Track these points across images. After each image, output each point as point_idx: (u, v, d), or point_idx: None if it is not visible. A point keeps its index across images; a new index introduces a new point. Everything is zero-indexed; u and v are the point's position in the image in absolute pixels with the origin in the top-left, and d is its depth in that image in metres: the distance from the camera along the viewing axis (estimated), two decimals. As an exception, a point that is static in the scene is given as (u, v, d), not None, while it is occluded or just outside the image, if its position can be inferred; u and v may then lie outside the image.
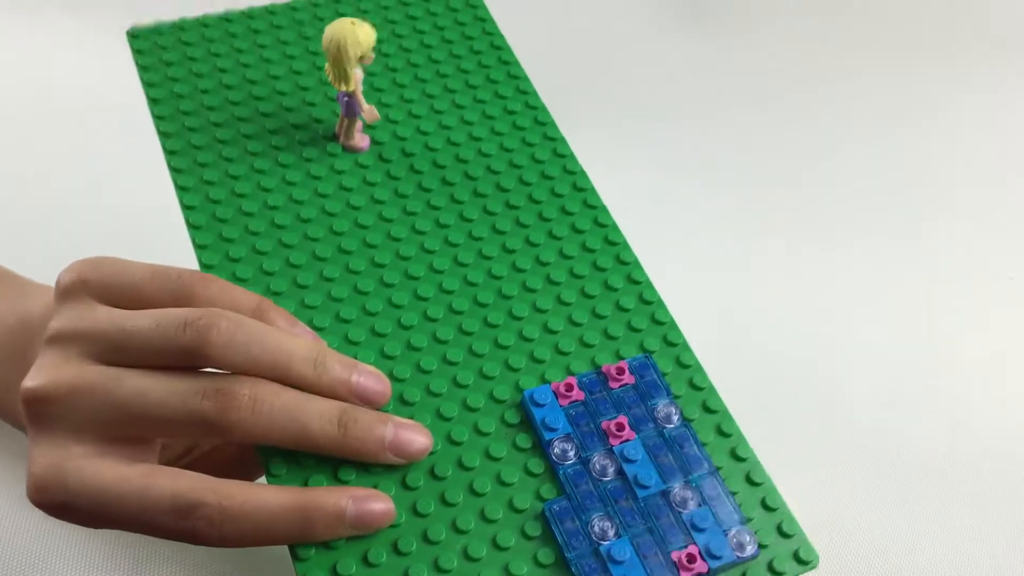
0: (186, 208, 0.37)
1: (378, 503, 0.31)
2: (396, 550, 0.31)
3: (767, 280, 0.56)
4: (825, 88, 0.69)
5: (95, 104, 0.62)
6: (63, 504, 0.31)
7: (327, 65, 0.37)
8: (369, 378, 0.33)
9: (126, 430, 0.32)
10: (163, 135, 0.39)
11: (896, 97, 0.69)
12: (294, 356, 0.32)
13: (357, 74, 0.37)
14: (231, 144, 0.39)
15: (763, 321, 0.54)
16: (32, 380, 0.32)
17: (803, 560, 0.32)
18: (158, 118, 0.39)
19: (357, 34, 0.36)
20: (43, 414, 0.32)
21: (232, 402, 0.31)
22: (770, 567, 0.32)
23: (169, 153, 0.38)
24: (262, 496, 0.31)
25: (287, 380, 0.32)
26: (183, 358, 0.31)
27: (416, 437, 0.33)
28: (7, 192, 0.57)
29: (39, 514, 0.42)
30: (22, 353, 0.38)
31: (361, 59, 0.37)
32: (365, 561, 0.31)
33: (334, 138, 0.40)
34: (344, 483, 0.32)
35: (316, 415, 0.32)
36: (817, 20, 0.74)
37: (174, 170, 0.38)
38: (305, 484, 0.32)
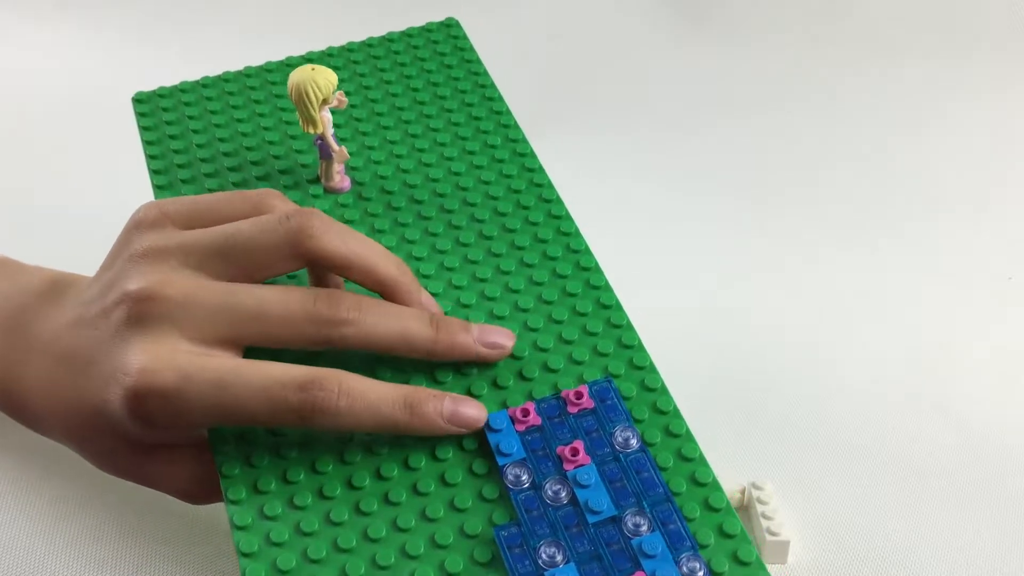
0: None
1: (472, 408, 0.34)
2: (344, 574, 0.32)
3: (765, 283, 0.56)
4: (818, 90, 0.69)
5: (88, 102, 0.65)
6: (174, 387, 0.33)
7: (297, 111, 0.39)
8: (429, 298, 0.37)
9: (237, 333, 0.34)
10: (157, 188, 0.41)
11: (893, 99, 0.69)
12: (380, 253, 0.36)
13: (324, 117, 0.39)
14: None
15: (760, 322, 0.54)
16: (136, 282, 0.34)
17: None
18: (154, 172, 0.42)
19: (316, 79, 0.38)
20: (148, 313, 0.33)
21: (343, 312, 0.34)
22: None
23: None
24: (375, 383, 0.34)
25: (375, 274, 0.35)
26: (288, 250, 0.34)
27: (501, 339, 0.36)
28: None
29: (41, 515, 0.43)
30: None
31: (325, 102, 0.38)
32: None
33: (318, 180, 0.41)
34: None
35: (413, 316, 0.35)
36: (810, 25, 0.74)
37: None
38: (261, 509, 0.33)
